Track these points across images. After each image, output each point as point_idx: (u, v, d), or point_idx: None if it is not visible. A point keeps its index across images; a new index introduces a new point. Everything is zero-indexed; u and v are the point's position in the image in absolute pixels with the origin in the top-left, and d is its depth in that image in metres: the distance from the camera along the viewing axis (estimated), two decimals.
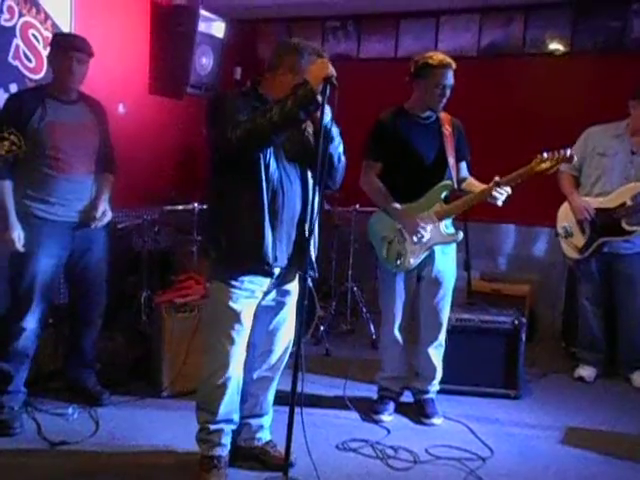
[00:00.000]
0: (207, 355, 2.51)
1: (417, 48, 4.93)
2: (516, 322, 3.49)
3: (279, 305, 2.58)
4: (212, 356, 2.48)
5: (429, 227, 3.03)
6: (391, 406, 3.26)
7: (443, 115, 3.13)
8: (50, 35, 3.57)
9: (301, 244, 2.42)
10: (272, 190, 2.35)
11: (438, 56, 2.98)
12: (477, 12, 4.93)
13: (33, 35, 3.80)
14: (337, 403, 3.35)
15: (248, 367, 2.61)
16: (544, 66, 4.80)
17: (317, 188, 2.24)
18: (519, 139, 4.59)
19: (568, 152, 2.81)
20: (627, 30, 4.53)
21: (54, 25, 3.89)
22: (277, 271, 2.44)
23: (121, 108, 4.52)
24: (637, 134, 3.65)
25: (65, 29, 3.94)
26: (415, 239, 3.02)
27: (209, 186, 2.50)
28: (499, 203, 2.94)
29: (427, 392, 3.27)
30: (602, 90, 4.52)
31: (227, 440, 2.55)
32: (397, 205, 3.05)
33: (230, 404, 2.51)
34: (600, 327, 3.86)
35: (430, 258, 3.09)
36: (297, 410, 2.32)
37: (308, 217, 2.39)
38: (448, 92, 2.99)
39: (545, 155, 2.83)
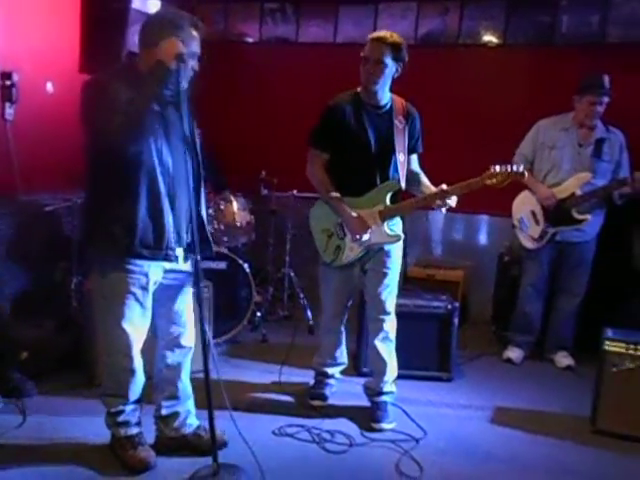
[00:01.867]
0: (109, 343, 2.51)
1: (356, 34, 4.94)
2: (449, 307, 3.58)
3: (178, 288, 2.57)
4: (116, 344, 2.47)
5: (370, 227, 2.95)
6: (327, 391, 3.28)
7: (399, 103, 3.01)
8: None
9: (196, 226, 2.47)
10: (168, 174, 2.38)
11: (376, 32, 2.99)
12: (415, 0, 4.97)
13: None
14: (274, 389, 3.36)
15: (158, 356, 2.62)
16: (478, 57, 4.90)
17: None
18: (454, 129, 4.69)
19: (521, 168, 2.78)
20: (556, 25, 4.67)
21: None
22: (179, 252, 2.47)
23: (50, 86, 4.33)
24: (582, 127, 3.81)
25: None
26: (356, 238, 2.95)
27: (90, 176, 2.42)
28: (443, 211, 2.92)
29: (381, 392, 3.13)
30: (534, 82, 4.65)
31: (139, 418, 2.61)
32: (340, 199, 2.95)
33: (139, 383, 2.56)
34: (538, 312, 4.03)
35: (373, 252, 3.03)
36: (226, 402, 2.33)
37: (201, 199, 2.52)
38: (370, 67, 2.87)
39: (497, 169, 2.78)
